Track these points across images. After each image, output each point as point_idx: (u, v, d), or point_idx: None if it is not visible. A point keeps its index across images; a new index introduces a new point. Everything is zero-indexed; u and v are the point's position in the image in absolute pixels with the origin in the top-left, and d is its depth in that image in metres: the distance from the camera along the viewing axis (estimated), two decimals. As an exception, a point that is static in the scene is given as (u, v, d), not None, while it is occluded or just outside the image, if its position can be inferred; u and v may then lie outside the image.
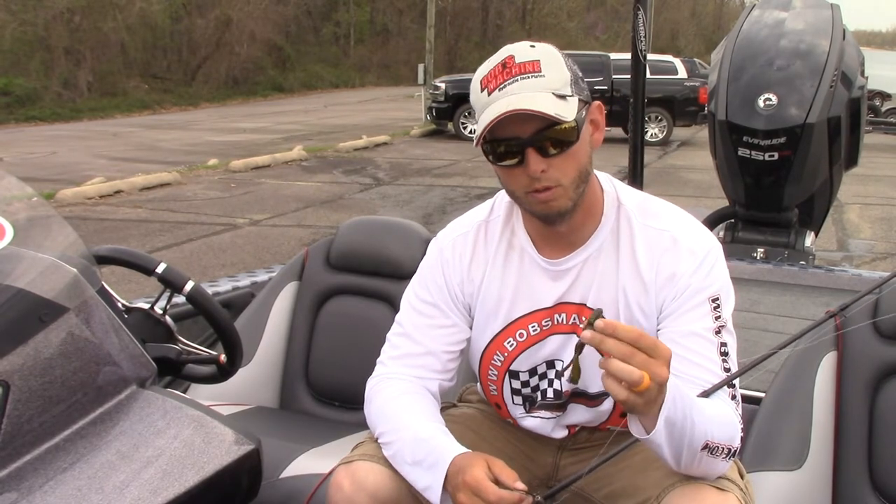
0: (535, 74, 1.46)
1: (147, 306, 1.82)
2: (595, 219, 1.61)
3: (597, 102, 1.57)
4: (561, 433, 1.72)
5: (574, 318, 1.61)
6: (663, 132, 17.20)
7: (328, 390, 2.64)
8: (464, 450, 1.50)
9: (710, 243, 1.57)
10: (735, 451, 1.45)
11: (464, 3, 38.76)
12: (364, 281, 2.64)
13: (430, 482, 1.48)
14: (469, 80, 1.56)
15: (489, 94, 1.47)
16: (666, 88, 16.47)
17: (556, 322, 1.63)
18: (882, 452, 1.95)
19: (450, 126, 17.66)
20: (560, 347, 1.64)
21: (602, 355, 1.23)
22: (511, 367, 1.68)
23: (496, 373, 1.69)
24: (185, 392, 2.38)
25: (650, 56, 3.84)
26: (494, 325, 1.66)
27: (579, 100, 1.49)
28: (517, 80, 1.45)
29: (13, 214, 1.53)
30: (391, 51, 36.98)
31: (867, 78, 4.35)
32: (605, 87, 16.59)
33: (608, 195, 1.63)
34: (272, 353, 2.66)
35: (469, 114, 16.82)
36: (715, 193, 6.62)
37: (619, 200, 1.62)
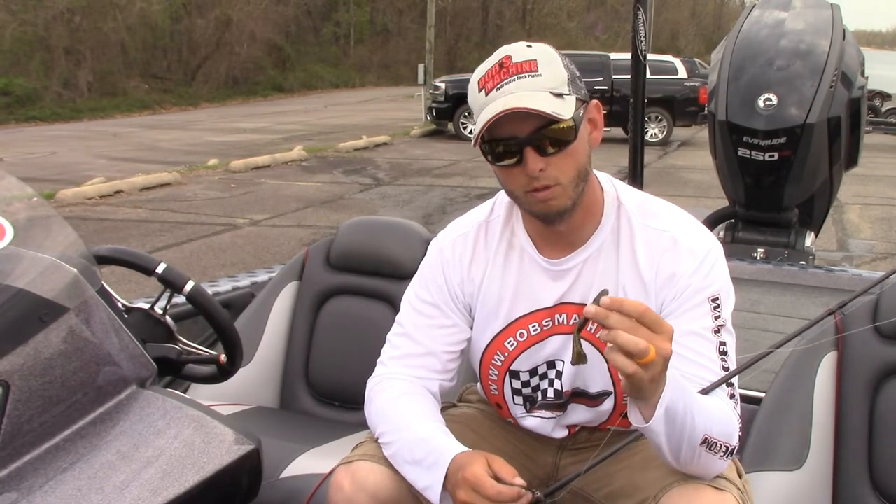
0: (532, 74, 1.46)
1: (147, 306, 1.82)
2: (595, 219, 1.61)
3: (594, 101, 1.57)
4: (561, 433, 1.72)
5: (575, 318, 1.61)
6: (663, 132, 17.20)
7: (328, 390, 2.64)
8: (464, 449, 1.50)
9: (710, 243, 1.57)
10: (733, 449, 1.45)
11: (464, 3, 38.76)
12: (364, 281, 2.64)
13: (430, 482, 1.48)
14: (469, 81, 1.57)
15: (486, 94, 1.48)
16: (666, 88, 16.47)
17: (556, 322, 1.63)
18: (882, 452, 1.95)
19: (450, 126, 17.66)
20: (561, 347, 1.64)
21: (602, 359, 1.23)
22: (512, 367, 1.68)
23: (497, 373, 1.69)
24: (185, 392, 2.38)
25: (650, 56, 3.84)
26: (495, 325, 1.66)
27: (577, 99, 1.49)
28: (514, 80, 1.46)
29: (13, 214, 1.53)
30: (391, 51, 36.98)
31: (867, 78, 4.35)
32: (605, 87, 16.59)
33: (608, 195, 1.63)
34: (272, 354, 2.66)
35: (469, 114, 16.63)
36: (715, 193, 6.63)
37: (620, 200, 1.62)
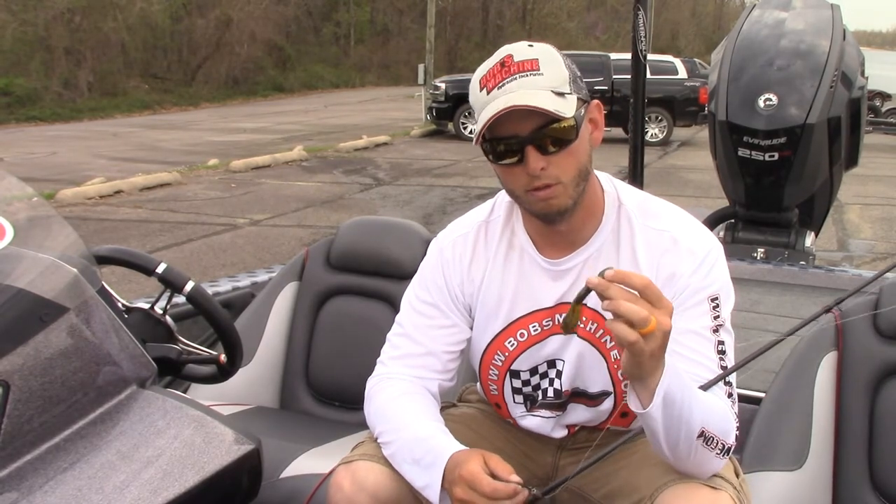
0: (534, 72, 1.46)
1: (147, 306, 1.82)
2: (596, 219, 1.61)
3: (595, 101, 1.57)
4: (561, 433, 1.72)
5: (574, 318, 1.61)
6: (663, 132, 17.20)
7: (328, 390, 2.64)
8: (462, 447, 1.51)
9: (710, 243, 1.57)
10: (729, 448, 1.46)
11: (464, 3, 38.76)
12: (364, 281, 2.64)
13: (428, 481, 1.49)
14: (469, 81, 1.57)
15: (488, 92, 1.48)
16: (666, 88, 16.47)
17: (556, 322, 1.63)
18: (882, 452, 1.95)
19: (450, 126, 17.67)
20: (561, 347, 1.64)
21: (602, 359, 1.22)
22: (512, 367, 1.68)
23: (497, 372, 1.69)
24: (185, 392, 2.38)
25: (650, 56, 3.83)
26: (495, 325, 1.66)
27: (578, 98, 1.49)
28: (516, 79, 1.46)
29: (13, 214, 1.53)
30: (391, 51, 36.99)
31: (867, 78, 4.35)
32: (606, 88, 16.59)
33: (608, 195, 1.63)
34: (272, 353, 2.66)
35: (469, 114, 16.81)
36: (715, 193, 6.63)
37: (620, 200, 1.62)
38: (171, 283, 1.80)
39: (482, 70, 1.51)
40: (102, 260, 1.78)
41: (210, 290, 2.53)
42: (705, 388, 1.46)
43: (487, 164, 1.55)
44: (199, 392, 2.41)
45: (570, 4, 42.25)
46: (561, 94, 1.46)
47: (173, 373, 1.82)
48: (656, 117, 16.86)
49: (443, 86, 17.58)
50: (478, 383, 1.82)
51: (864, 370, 1.99)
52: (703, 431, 1.39)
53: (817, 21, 4.10)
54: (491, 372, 1.70)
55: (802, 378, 2.00)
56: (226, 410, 2.31)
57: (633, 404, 1.36)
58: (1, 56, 20.79)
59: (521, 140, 1.46)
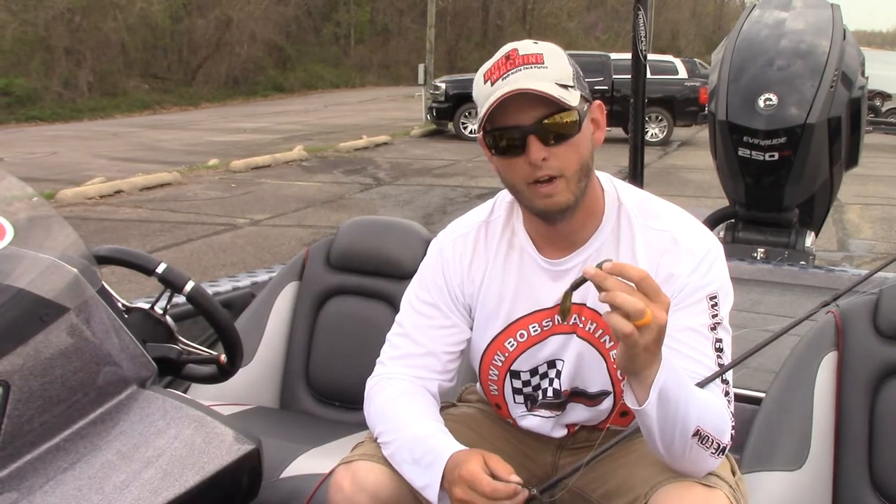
0: (539, 65, 1.47)
1: (147, 306, 1.82)
2: (596, 219, 1.61)
3: (597, 102, 1.58)
4: (560, 432, 1.72)
5: (574, 318, 1.61)
6: (664, 132, 17.20)
7: (328, 390, 2.64)
8: (461, 447, 1.51)
9: (709, 243, 1.58)
10: (725, 447, 1.46)
11: (464, 3, 38.76)
12: (364, 281, 2.64)
13: (427, 480, 1.49)
14: (469, 80, 1.58)
15: (492, 84, 1.48)
16: (666, 88, 16.47)
17: (556, 322, 1.63)
18: (882, 453, 1.95)
19: (450, 126, 17.66)
20: (561, 347, 1.64)
21: (601, 359, 1.22)
22: (512, 367, 1.68)
23: (497, 373, 1.69)
24: (185, 392, 2.38)
25: (650, 56, 3.83)
26: (495, 326, 1.66)
27: (581, 96, 1.50)
28: (520, 70, 1.47)
29: (13, 214, 1.53)
30: (391, 51, 36.99)
31: (867, 78, 4.35)
32: (606, 88, 16.59)
33: (609, 195, 1.63)
34: (272, 354, 2.66)
35: (469, 114, 16.83)
36: (715, 193, 6.62)
37: (620, 200, 1.63)
38: (172, 283, 1.80)
39: (487, 64, 1.52)
40: (102, 260, 1.78)
41: (210, 290, 2.52)
42: (702, 384, 1.46)
43: (488, 164, 1.55)
44: (200, 392, 2.41)
45: (571, 4, 42.25)
46: (565, 87, 1.47)
47: (173, 373, 1.82)
48: (656, 117, 16.86)
49: (443, 86, 17.57)
50: (477, 383, 1.82)
51: (864, 370, 1.99)
52: (698, 430, 1.39)
53: (817, 21, 4.10)
54: (491, 372, 1.70)
55: (802, 378, 2.00)
56: (226, 410, 2.31)
57: (630, 401, 1.36)
58: (1, 56, 20.79)
59: (523, 130, 1.47)
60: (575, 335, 1.62)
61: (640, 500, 1.48)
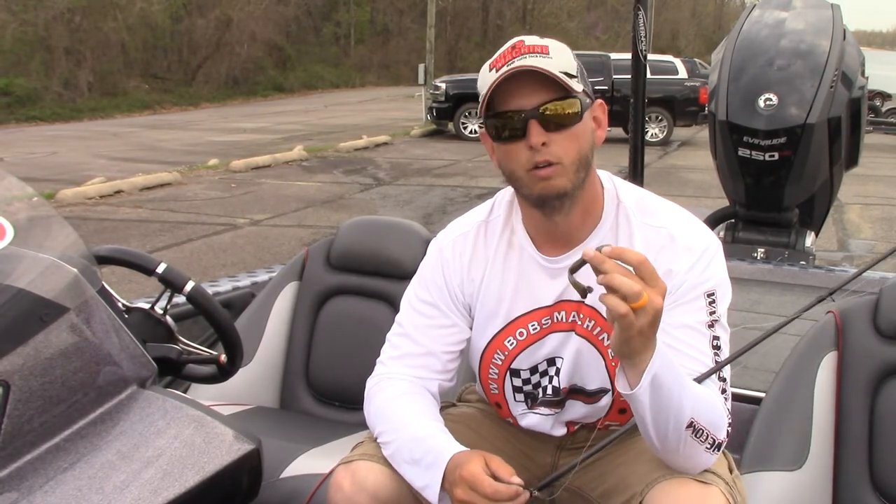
0: (544, 55, 1.49)
1: (147, 306, 1.82)
2: (595, 216, 1.61)
3: (599, 101, 1.59)
4: (560, 430, 1.72)
5: (573, 316, 1.61)
6: (664, 132, 17.20)
7: (328, 390, 2.64)
8: (462, 448, 1.51)
9: (707, 240, 1.58)
10: (720, 443, 1.46)
11: (464, 3, 38.76)
12: (364, 281, 2.64)
13: (428, 481, 1.49)
14: (469, 80, 1.60)
15: (497, 71, 1.50)
16: (666, 88, 16.47)
17: (555, 320, 1.63)
18: (883, 453, 1.95)
19: (450, 126, 17.65)
20: (560, 345, 1.64)
21: (600, 357, 1.22)
22: (512, 366, 1.68)
23: (497, 371, 1.69)
24: (185, 392, 2.38)
25: (650, 56, 3.83)
26: (494, 324, 1.67)
27: (583, 90, 1.52)
28: (525, 57, 1.49)
29: (14, 214, 1.53)
30: (391, 51, 36.99)
31: (867, 78, 4.35)
32: (606, 88, 16.58)
33: (608, 192, 1.64)
34: (272, 354, 2.66)
35: (469, 114, 16.82)
36: (715, 193, 6.63)
37: (619, 198, 1.63)
38: (172, 283, 1.81)
39: (493, 56, 1.54)
40: (102, 260, 1.78)
41: (210, 290, 2.53)
42: (699, 380, 1.47)
43: (488, 165, 1.56)
44: (200, 392, 2.41)
45: (571, 4, 42.26)
46: (569, 76, 1.49)
47: (173, 373, 1.82)
48: (656, 117, 16.85)
49: (443, 86, 17.56)
50: (477, 383, 1.82)
51: (865, 370, 1.99)
52: (692, 422, 1.39)
53: (817, 21, 4.10)
54: (491, 371, 1.70)
55: (802, 378, 2.00)
56: (226, 410, 2.31)
57: (622, 385, 1.36)
58: (1, 56, 20.79)
59: (525, 115, 1.48)
60: (574, 333, 1.62)
61: (636, 498, 1.49)
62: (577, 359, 1.63)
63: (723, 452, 1.55)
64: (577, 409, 1.69)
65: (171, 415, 1.45)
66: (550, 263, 1.62)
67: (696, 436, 1.41)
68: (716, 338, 1.52)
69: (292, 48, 31.40)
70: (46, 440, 1.33)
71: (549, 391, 1.68)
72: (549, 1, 41.23)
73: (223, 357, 1.86)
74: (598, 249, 1.28)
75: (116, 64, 23.81)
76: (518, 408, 1.72)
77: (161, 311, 1.83)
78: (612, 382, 1.63)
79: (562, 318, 1.63)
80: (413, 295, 1.73)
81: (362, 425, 1.76)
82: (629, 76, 3.74)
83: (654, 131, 16.88)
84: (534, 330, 1.64)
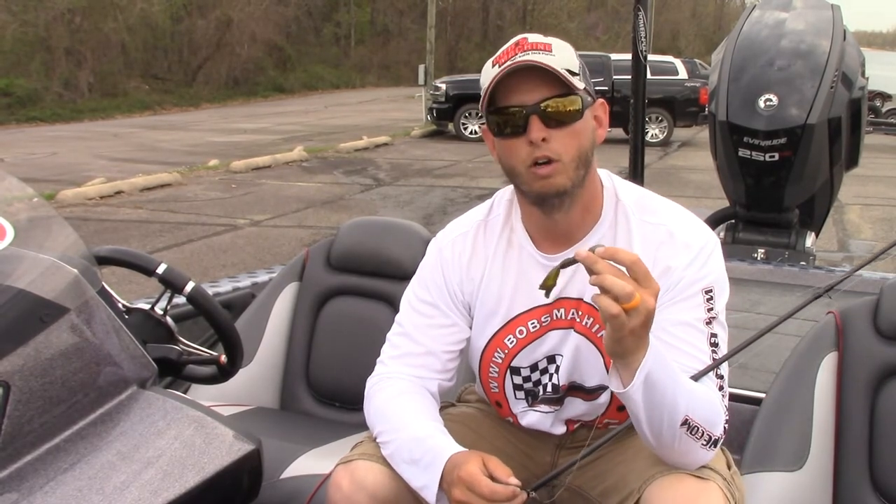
0: (547, 52, 1.50)
1: (147, 307, 1.82)
2: (594, 214, 1.62)
3: (601, 100, 1.60)
4: (560, 429, 1.72)
5: (573, 313, 1.62)
6: (664, 133, 17.19)
7: (329, 391, 2.64)
8: (460, 448, 1.51)
9: (705, 237, 1.58)
10: (717, 440, 1.46)
11: (464, 3, 38.77)
12: (364, 281, 2.64)
13: (426, 481, 1.49)
14: (470, 81, 1.60)
15: (500, 66, 1.50)
16: (666, 89, 16.46)
17: (554, 317, 1.63)
18: (883, 453, 1.95)
19: (450, 127, 17.65)
20: (559, 342, 1.64)
21: (599, 354, 1.22)
22: (512, 364, 1.68)
23: (497, 370, 1.70)
24: (185, 393, 2.38)
25: (651, 57, 3.83)
26: (494, 323, 1.67)
27: (585, 88, 1.52)
28: (528, 54, 1.49)
29: (14, 215, 1.53)
30: (392, 51, 36.99)
31: (868, 79, 4.35)
32: (606, 88, 16.56)
33: (607, 190, 1.64)
34: (273, 354, 2.66)
35: (469, 114, 16.82)
36: (716, 194, 6.62)
37: (618, 196, 1.64)
38: (172, 284, 1.81)
39: (497, 53, 1.54)
40: (103, 260, 1.78)
41: (210, 291, 2.52)
42: (696, 378, 1.47)
43: (488, 165, 1.57)
44: (200, 393, 2.41)
45: (571, 5, 42.26)
46: (572, 74, 1.50)
47: (174, 373, 1.82)
48: (657, 118, 16.85)
49: (443, 86, 17.56)
50: (477, 383, 1.82)
51: (865, 371, 1.99)
52: (686, 419, 1.40)
53: (818, 21, 4.10)
54: (491, 370, 1.70)
55: (803, 379, 2.00)
56: (226, 411, 2.31)
57: (615, 384, 1.37)
58: (1, 57, 20.80)
59: (526, 110, 1.48)
60: (573, 330, 1.62)
61: (634, 494, 1.49)
62: (576, 356, 1.63)
63: (721, 449, 1.55)
64: (576, 407, 1.69)
65: (172, 415, 1.45)
66: (549, 261, 1.62)
67: (691, 433, 1.41)
68: (713, 335, 1.53)
69: (292, 49, 31.40)
70: (46, 441, 1.33)
71: (549, 388, 1.68)
72: (550, 1, 41.23)
73: (223, 358, 1.86)
74: (592, 250, 1.28)
75: (117, 64, 23.82)
76: (518, 406, 1.72)
77: (161, 312, 1.83)
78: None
79: (561, 316, 1.63)
80: (413, 295, 1.73)
81: (362, 426, 1.76)
82: (629, 77, 3.74)
83: (654, 132, 16.88)
84: (533, 328, 1.65)
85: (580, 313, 1.61)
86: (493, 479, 1.42)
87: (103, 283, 1.58)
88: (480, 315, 1.68)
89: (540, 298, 1.63)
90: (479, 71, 1.60)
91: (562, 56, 1.50)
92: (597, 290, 1.29)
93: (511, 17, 40.18)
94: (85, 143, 15.81)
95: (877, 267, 3.81)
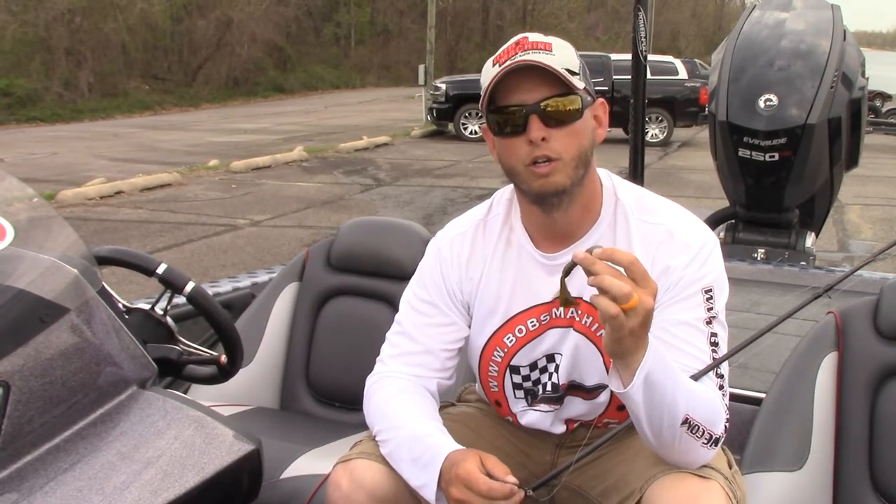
0: (547, 52, 1.50)
1: (148, 307, 1.82)
2: (593, 214, 1.62)
3: (601, 100, 1.60)
4: (560, 428, 1.72)
5: (571, 312, 1.62)
6: (664, 133, 17.19)
7: (329, 391, 2.64)
8: (459, 447, 1.51)
9: (705, 236, 1.59)
10: (717, 439, 1.46)
11: (464, 3, 38.78)
12: (364, 281, 2.64)
13: (425, 480, 1.49)
14: (470, 81, 1.61)
15: (500, 66, 1.50)
16: (666, 89, 16.46)
17: (553, 316, 1.64)
18: (883, 453, 1.95)
19: (450, 127, 17.65)
20: (559, 341, 1.64)
21: (598, 353, 1.22)
22: (511, 363, 1.68)
23: (497, 369, 1.70)
24: (185, 393, 2.38)
25: (651, 57, 3.83)
26: (493, 322, 1.67)
27: (585, 88, 1.52)
28: (529, 53, 1.49)
29: (14, 215, 1.53)
30: (392, 51, 37.00)
31: (868, 79, 4.35)
32: (606, 88, 16.56)
33: (607, 190, 1.65)
34: (273, 354, 2.66)
35: (469, 114, 16.82)
36: (716, 194, 6.63)
37: (617, 196, 1.64)
38: (172, 284, 1.81)
39: (497, 52, 1.54)
40: (103, 260, 1.78)
41: (210, 291, 2.53)
42: (696, 377, 1.47)
43: (488, 165, 1.57)
44: (200, 393, 2.41)
45: (571, 5, 42.26)
46: (572, 73, 1.50)
47: (174, 373, 1.82)
48: (657, 118, 16.85)
49: (443, 86, 17.55)
50: (476, 382, 1.82)
51: (865, 371, 1.99)
52: (687, 418, 1.40)
53: (818, 21, 4.10)
54: (491, 369, 1.70)
55: (803, 379, 2.00)
56: (226, 411, 2.31)
57: (615, 384, 1.37)
58: (1, 57, 20.80)
59: (526, 109, 1.49)
60: (572, 329, 1.62)
61: (635, 494, 1.49)
62: (575, 354, 1.63)
63: (722, 448, 1.55)
64: (576, 406, 1.69)
65: (172, 415, 1.45)
66: (548, 260, 1.62)
67: (691, 432, 1.41)
68: (713, 334, 1.53)
69: (292, 49, 31.40)
70: (47, 441, 1.33)
71: (549, 388, 1.68)
72: (550, 1, 41.23)
73: (223, 358, 1.86)
74: (590, 251, 1.28)
75: (117, 65, 23.82)
76: (518, 405, 1.72)
77: (161, 312, 1.83)
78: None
79: (560, 314, 1.63)
80: (412, 294, 1.73)
81: (362, 426, 1.76)
82: (629, 77, 3.74)
83: (654, 132, 16.88)
84: (533, 326, 1.65)
85: (579, 312, 1.61)
86: (490, 476, 1.42)
87: (103, 283, 1.58)
88: (479, 314, 1.69)
89: (539, 297, 1.64)
90: (479, 71, 1.60)
91: (562, 55, 1.51)
92: (595, 291, 1.29)
93: (511, 17, 40.18)
94: (85, 143, 15.81)
95: (877, 267, 3.81)
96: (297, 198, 10.63)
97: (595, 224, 1.62)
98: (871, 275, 3.24)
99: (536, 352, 1.66)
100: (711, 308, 1.53)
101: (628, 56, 3.79)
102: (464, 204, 10.13)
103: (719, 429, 1.46)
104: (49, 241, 1.56)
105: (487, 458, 1.45)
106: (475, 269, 1.69)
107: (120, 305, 1.72)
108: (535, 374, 1.68)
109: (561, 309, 1.62)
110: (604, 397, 1.66)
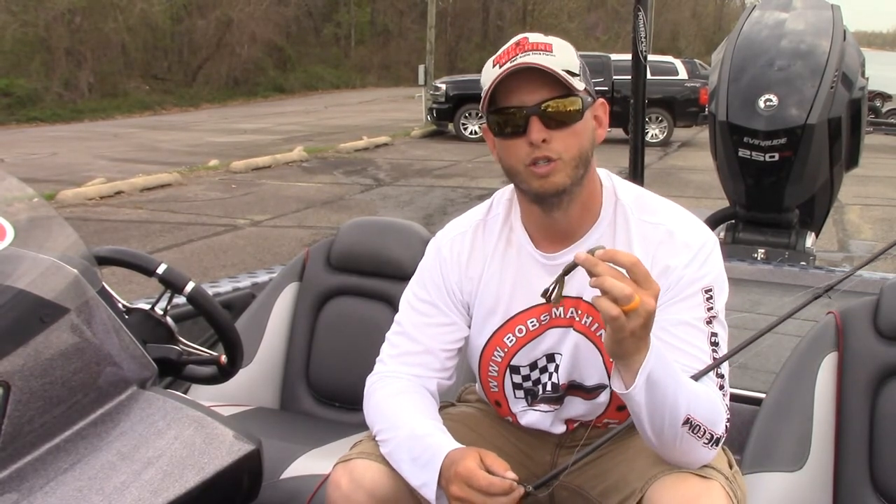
0: (548, 53, 1.50)
1: (148, 307, 1.83)
2: (593, 213, 1.62)
3: (601, 100, 1.60)
4: (560, 428, 1.72)
5: (571, 312, 1.62)
6: (664, 133, 17.20)
7: (329, 391, 2.64)
8: (458, 446, 1.51)
9: (705, 236, 1.59)
10: (718, 439, 1.46)
11: (464, 3, 38.78)
12: (365, 282, 2.64)
13: (425, 479, 1.49)
14: (470, 81, 1.61)
15: (500, 66, 1.50)
16: (666, 89, 16.46)
17: (553, 316, 1.64)
18: (883, 453, 1.95)
19: (450, 127, 17.65)
20: (559, 341, 1.64)
21: (598, 353, 1.22)
22: (511, 363, 1.69)
23: (497, 369, 1.70)
24: (185, 393, 2.38)
25: (651, 57, 3.83)
26: (493, 322, 1.67)
27: (585, 88, 1.53)
28: (529, 54, 1.49)
29: (14, 215, 1.53)
30: (392, 52, 37.00)
31: (868, 79, 4.35)
32: (606, 88, 16.55)
33: (606, 190, 1.65)
34: (273, 354, 2.66)
35: (469, 115, 16.83)
36: (716, 194, 6.63)
37: (617, 196, 1.64)
38: (172, 284, 1.81)
39: (497, 53, 1.55)
40: (103, 261, 1.78)
41: (210, 291, 2.53)
42: (697, 377, 1.47)
43: (488, 165, 1.57)
44: (200, 393, 2.41)
45: (571, 5, 42.25)
46: (572, 75, 1.50)
47: (174, 373, 1.82)
48: (657, 118, 16.85)
49: (443, 87, 17.55)
50: (477, 382, 1.82)
51: (865, 371, 1.99)
52: (688, 418, 1.40)
53: (817, 21, 4.10)
54: (490, 368, 1.70)
55: (803, 379, 2.00)
56: (226, 411, 2.31)
57: (617, 385, 1.37)
58: (1, 57, 20.80)
59: (526, 111, 1.49)
60: (572, 329, 1.62)
61: (636, 494, 1.49)
62: (575, 354, 1.63)
63: (722, 448, 1.55)
64: (576, 406, 1.69)
65: (172, 415, 1.46)
66: (548, 260, 1.63)
67: (692, 432, 1.41)
68: (714, 334, 1.53)
69: (292, 49, 31.41)
70: (47, 441, 1.33)
71: (549, 388, 1.68)
72: (550, 2, 41.23)
73: (223, 358, 1.86)
74: (591, 252, 1.28)
75: (117, 65, 23.82)
76: (518, 405, 1.73)
77: (161, 312, 1.83)
78: (610, 379, 1.64)
79: (560, 314, 1.63)
80: (411, 294, 1.73)
81: (363, 426, 1.76)
82: (629, 77, 3.74)
83: (654, 132, 16.88)
84: (533, 326, 1.65)
85: (579, 312, 1.61)
86: (490, 472, 1.42)
87: (103, 283, 1.58)
88: (479, 314, 1.69)
89: (539, 297, 1.63)
90: (479, 71, 1.60)
91: (562, 56, 1.51)
92: (597, 292, 1.29)
93: (511, 17, 40.17)
94: (85, 143, 15.81)
95: (877, 267, 3.81)
96: (297, 198, 10.63)
97: (595, 224, 1.62)
98: (871, 275, 3.24)
99: (536, 352, 1.66)
100: (711, 308, 1.53)
101: (628, 56, 3.79)
102: (464, 204, 10.13)
103: (720, 429, 1.46)
104: (49, 242, 1.56)
105: (487, 454, 1.46)
106: (475, 269, 1.69)
107: (120, 305, 1.72)
108: (535, 374, 1.69)
109: (561, 308, 1.62)
110: (604, 397, 1.66)
